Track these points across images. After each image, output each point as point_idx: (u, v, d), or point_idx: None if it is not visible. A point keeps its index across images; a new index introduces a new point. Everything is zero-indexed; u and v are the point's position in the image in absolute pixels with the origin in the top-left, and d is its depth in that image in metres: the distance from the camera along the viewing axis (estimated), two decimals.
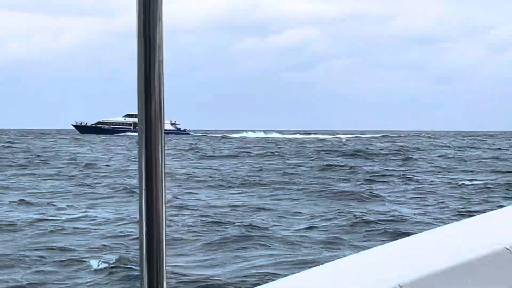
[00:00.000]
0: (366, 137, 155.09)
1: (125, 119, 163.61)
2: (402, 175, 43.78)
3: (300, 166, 52.78)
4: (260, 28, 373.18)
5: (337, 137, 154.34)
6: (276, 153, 75.70)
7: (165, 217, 2.01)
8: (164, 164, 2.02)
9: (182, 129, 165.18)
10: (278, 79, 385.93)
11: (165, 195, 2.01)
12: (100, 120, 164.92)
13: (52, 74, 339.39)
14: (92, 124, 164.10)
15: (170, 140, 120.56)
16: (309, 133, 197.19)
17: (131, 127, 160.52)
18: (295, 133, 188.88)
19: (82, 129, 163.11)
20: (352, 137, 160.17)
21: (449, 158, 65.71)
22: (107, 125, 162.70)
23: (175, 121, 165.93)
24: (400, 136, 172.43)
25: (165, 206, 2.01)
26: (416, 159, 62.55)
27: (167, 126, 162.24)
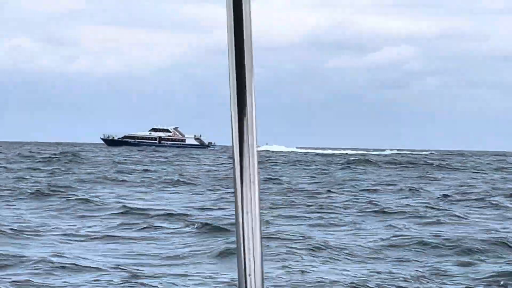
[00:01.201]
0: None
1: (150, 133, 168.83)
2: None
3: None
4: (354, 46, 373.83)
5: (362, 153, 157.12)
6: None
7: (260, 222, 2.11)
8: (258, 173, 2.14)
9: (206, 143, 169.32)
10: (370, 97, 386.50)
11: (259, 204, 2.12)
12: (127, 134, 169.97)
13: (145, 89, 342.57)
14: (119, 138, 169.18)
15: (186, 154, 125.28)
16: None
17: (156, 141, 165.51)
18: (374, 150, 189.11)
19: (109, 142, 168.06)
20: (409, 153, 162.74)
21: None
22: (133, 139, 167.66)
23: (200, 135, 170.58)
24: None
25: (260, 213, 2.11)
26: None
27: (191, 141, 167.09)
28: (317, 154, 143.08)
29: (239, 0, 2.13)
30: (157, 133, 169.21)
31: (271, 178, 53.87)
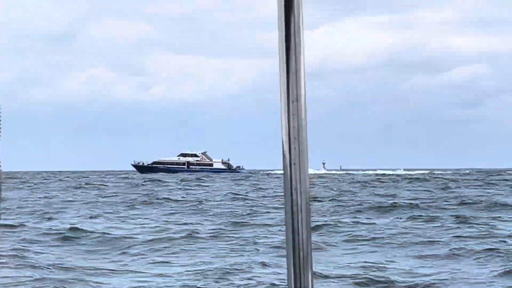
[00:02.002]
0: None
1: (179, 158, 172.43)
2: None
3: None
4: (429, 66, 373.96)
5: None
6: None
7: (309, 234, 2.17)
8: (308, 196, 2.18)
9: (234, 167, 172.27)
10: (445, 116, 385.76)
11: (309, 222, 2.18)
12: (156, 160, 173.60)
13: (219, 116, 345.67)
14: (148, 164, 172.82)
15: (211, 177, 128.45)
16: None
17: (185, 166, 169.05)
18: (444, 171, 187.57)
19: (139, 168, 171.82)
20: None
21: None
22: (163, 164, 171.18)
23: (228, 159, 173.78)
24: None
25: (309, 227, 2.19)
26: None
27: (218, 165, 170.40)
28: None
29: (289, 29, 2.15)
30: (186, 158, 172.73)
31: None
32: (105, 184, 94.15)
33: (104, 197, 62.96)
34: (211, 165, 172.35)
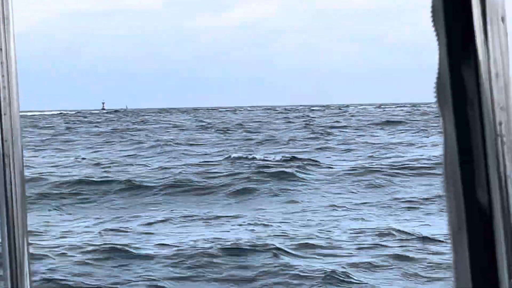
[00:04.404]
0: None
1: None
2: None
3: None
4: (213, 5, 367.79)
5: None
6: None
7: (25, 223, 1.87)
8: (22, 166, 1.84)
9: None
10: (232, 56, 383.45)
11: (25, 213, 1.85)
12: None
13: None
14: None
15: None
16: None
17: None
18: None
19: None
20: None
21: None
22: None
23: None
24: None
25: (26, 227, 1.86)
26: None
27: None
28: None
29: None
30: None
31: None
32: None
33: None
34: None
